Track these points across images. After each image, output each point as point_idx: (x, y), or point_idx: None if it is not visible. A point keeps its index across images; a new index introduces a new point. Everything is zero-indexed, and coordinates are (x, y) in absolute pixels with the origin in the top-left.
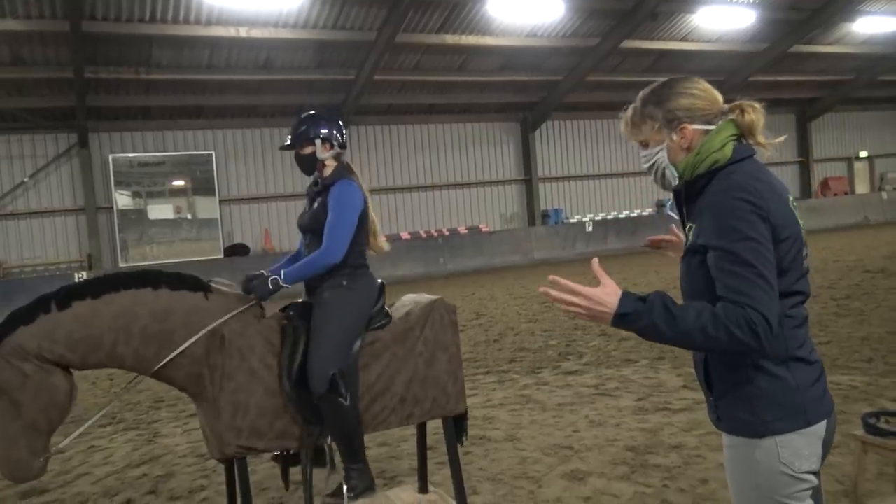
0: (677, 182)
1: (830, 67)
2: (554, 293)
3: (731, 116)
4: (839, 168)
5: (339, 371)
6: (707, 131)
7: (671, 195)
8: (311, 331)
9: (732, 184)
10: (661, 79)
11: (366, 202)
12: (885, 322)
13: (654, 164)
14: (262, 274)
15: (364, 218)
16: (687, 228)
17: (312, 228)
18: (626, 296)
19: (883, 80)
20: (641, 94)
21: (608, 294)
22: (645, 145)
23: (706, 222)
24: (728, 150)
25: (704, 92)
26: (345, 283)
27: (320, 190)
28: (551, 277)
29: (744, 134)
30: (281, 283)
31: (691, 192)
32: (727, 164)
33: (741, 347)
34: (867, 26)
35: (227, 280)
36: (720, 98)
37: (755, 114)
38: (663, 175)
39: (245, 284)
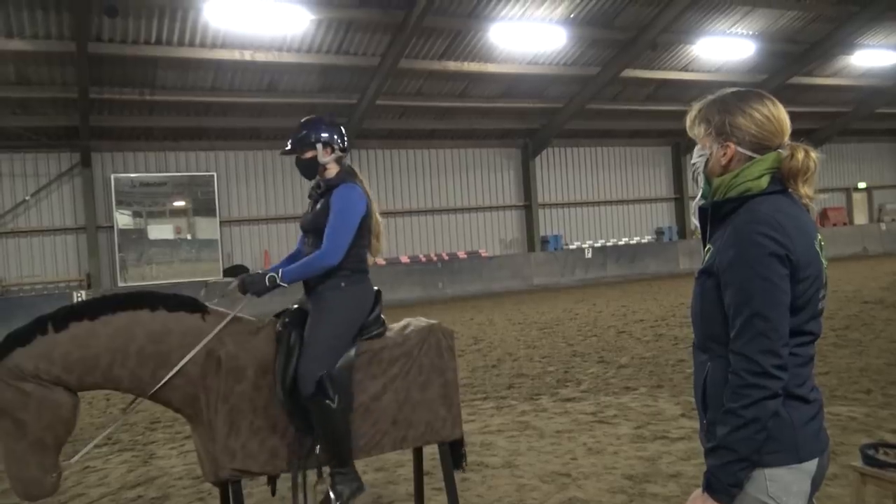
0: (700, 194)
1: (829, 99)
2: None
3: (781, 152)
4: (838, 199)
5: (328, 374)
6: (750, 158)
7: (695, 207)
8: (304, 333)
9: (758, 216)
10: (737, 89)
11: (369, 205)
12: (883, 353)
13: (694, 166)
14: (260, 273)
15: (367, 221)
16: (706, 249)
17: (314, 229)
18: (704, 491)
19: (881, 112)
20: (718, 92)
21: (696, 497)
22: (698, 144)
23: (725, 251)
24: (764, 182)
25: (769, 121)
26: (343, 284)
27: (323, 191)
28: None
29: (782, 176)
30: (278, 281)
31: (718, 214)
32: (758, 195)
33: (769, 400)
34: (865, 59)
35: (225, 279)
36: (786, 132)
37: (804, 161)
38: (697, 180)
39: (241, 281)
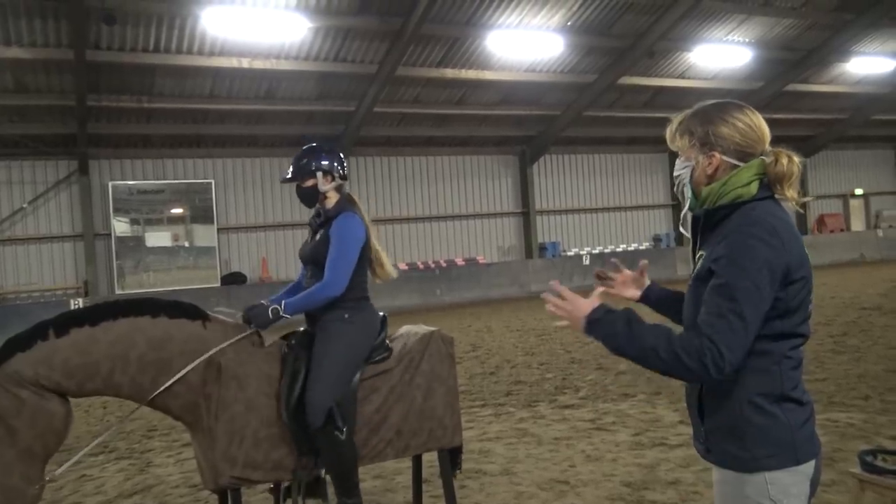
0: (688, 205)
1: (825, 106)
2: (547, 296)
3: (765, 159)
4: (835, 205)
5: (337, 404)
6: (735, 166)
7: (684, 217)
8: (311, 362)
9: (753, 220)
10: (715, 101)
11: (367, 234)
12: (881, 359)
13: (679, 177)
14: (262, 304)
15: (366, 250)
16: (697, 256)
17: (314, 260)
18: (600, 306)
19: (877, 119)
20: (698, 105)
21: (588, 303)
22: (681, 156)
23: (720, 252)
24: (753, 188)
25: (751, 129)
26: (346, 315)
27: (323, 222)
28: (552, 282)
29: (769, 181)
30: (281, 313)
31: (710, 221)
32: (749, 201)
33: (689, 375)
34: (861, 66)
35: (228, 309)
36: (767, 139)
37: (788, 166)
38: (682, 192)
39: (245, 313)
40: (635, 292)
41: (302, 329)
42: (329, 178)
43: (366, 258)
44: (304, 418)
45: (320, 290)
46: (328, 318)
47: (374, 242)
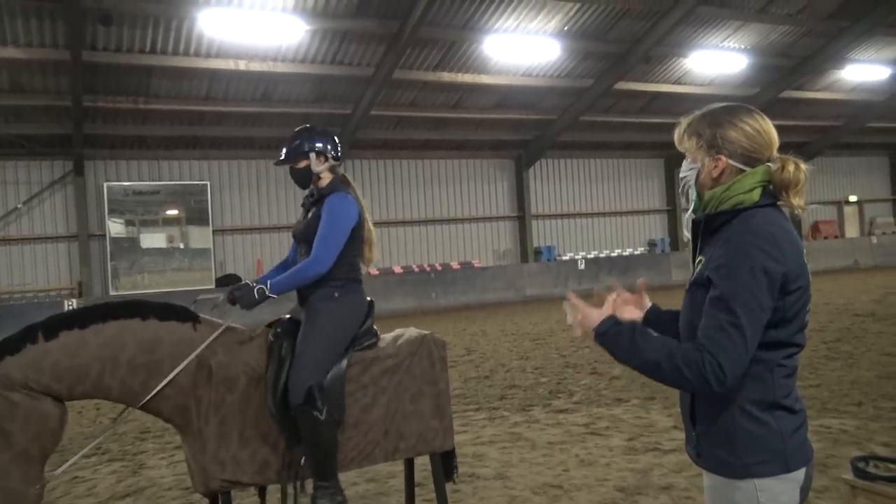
0: (691, 207)
1: (820, 113)
2: (566, 305)
3: (771, 165)
4: (829, 212)
5: (318, 384)
6: (741, 171)
7: (687, 220)
8: (297, 342)
9: (752, 229)
10: (726, 104)
11: (361, 214)
12: (874, 366)
13: (684, 178)
14: (248, 284)
15: (359, 230)
16: (696, 261)
17: (306, 238)
18: (608, 318)
19: (871, 126)
20: (708, 107)
21: (597, 315)
22: (687, 157)
23: (718, 259)
24: (756, 195)
25: (759, 134)
26: (336, 294)
27: (316, 200)
28: (568, 293)
29: (774, 188)
30: (267, 293)
31: (710, 226)
32: (750, 208)
33: (689, 386)
34: (856, 74)
35: (212, 294)
36: (775, 145)
37: (794, 174)
38: (687, 194)
39: (231, 294)
40: (636, 313)
41: (288, 316)
42: (322, 158)
43: (359, 238)
44: (288, 403)
45: (306, 267)
46: (317, 296)
47: (369, 223)
